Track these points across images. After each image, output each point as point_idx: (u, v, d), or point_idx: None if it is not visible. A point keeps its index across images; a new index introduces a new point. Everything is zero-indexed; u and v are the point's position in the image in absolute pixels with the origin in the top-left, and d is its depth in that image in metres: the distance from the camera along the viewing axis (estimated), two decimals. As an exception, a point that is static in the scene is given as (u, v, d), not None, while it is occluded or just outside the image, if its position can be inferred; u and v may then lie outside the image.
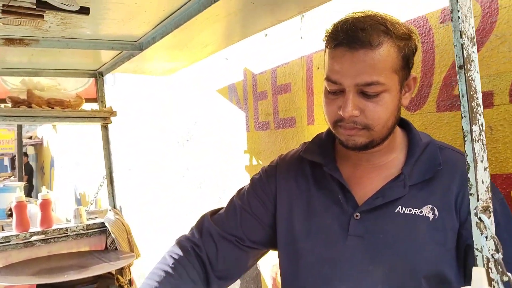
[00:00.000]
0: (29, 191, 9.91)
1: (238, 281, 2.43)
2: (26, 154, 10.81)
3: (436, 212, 0.88)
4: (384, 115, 0.87)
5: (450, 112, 1.25)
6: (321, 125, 1.76)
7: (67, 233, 2.33)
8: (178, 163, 3.17)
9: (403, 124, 1.00)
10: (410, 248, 0.88)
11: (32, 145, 11.46)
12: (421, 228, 0.88)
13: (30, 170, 11.04)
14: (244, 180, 2.31)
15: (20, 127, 8.83)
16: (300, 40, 1.85)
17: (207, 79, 2.67)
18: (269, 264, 2.15)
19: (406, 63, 0.88)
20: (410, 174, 0.92)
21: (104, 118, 2.30)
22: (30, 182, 10.68)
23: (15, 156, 9.66)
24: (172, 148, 3.23)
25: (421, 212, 0.89)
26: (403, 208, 0.90)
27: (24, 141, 10.12)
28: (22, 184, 4.73)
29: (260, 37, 2.09)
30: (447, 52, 1.25)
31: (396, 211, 0.90)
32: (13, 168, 11.22)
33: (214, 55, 2.38)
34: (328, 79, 0.88)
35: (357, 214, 0.93)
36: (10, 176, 9.81)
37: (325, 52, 0.92)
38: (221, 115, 2.53)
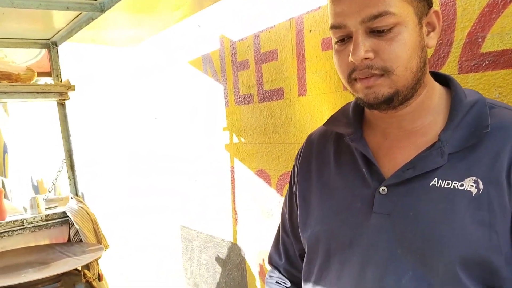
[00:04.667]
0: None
1: (220, 269, 2.24)
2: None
3: (481, 186, 0.72)
4: (403, 53, 0.72)
5: (476, 73, 1.08)
6: (315, 96, 1.56)
7: (23, 225, 2.08)
8: (146, 145, 2.91)
9: (446, 81, 0.83)
10: (446, 229, 0.72)
11: (-18, 130, 10.72)
12: (461, 205, 0.72)
13: (-19, 157, 10.34)
14: (224, 161, 2.10)
15: (-33, 111, 8.18)
16: (288, -1, 1.63)
17: (177, 49, 2.41)
18: (255, 250, 1.98)
19: None
20: (450, 140, 0.75)
21: (61, 93, 2.02)
22: (-18, 170, 10.02)
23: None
24: (139, 127, 2.96)
25: (461, 185, 0.73)
26: (440, 181, 0.74)
27: (-27, 126, 9.43)
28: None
29: (239, -1, 1.86)
30: (472, 3, 1.08)
31: (431, 184, 0.75)
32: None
33: (185, 22, 2.13)
34: (332, 27, 0.77)
35: (383, 188, 0.78)
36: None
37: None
38: (195, 89, 2.29)
